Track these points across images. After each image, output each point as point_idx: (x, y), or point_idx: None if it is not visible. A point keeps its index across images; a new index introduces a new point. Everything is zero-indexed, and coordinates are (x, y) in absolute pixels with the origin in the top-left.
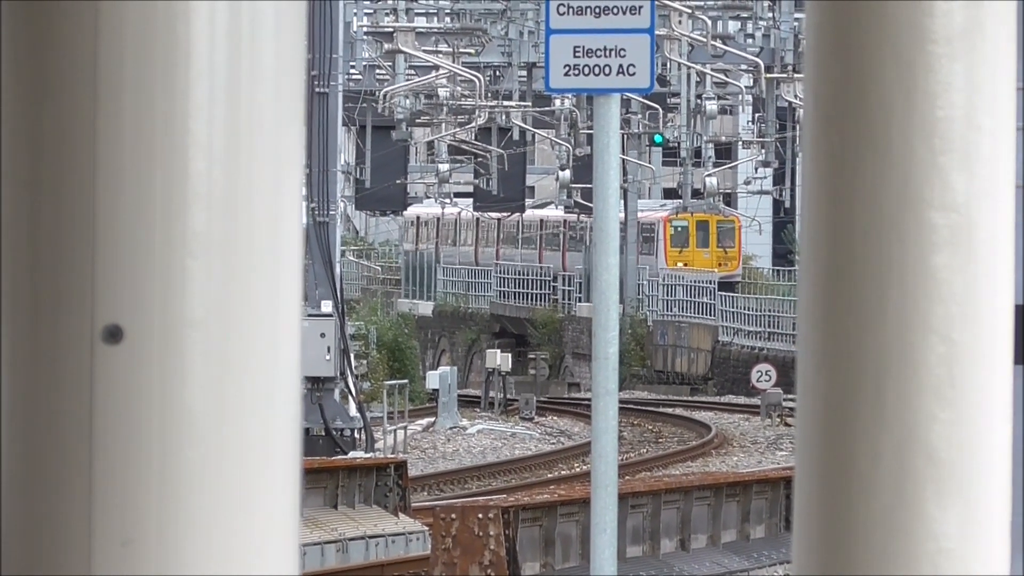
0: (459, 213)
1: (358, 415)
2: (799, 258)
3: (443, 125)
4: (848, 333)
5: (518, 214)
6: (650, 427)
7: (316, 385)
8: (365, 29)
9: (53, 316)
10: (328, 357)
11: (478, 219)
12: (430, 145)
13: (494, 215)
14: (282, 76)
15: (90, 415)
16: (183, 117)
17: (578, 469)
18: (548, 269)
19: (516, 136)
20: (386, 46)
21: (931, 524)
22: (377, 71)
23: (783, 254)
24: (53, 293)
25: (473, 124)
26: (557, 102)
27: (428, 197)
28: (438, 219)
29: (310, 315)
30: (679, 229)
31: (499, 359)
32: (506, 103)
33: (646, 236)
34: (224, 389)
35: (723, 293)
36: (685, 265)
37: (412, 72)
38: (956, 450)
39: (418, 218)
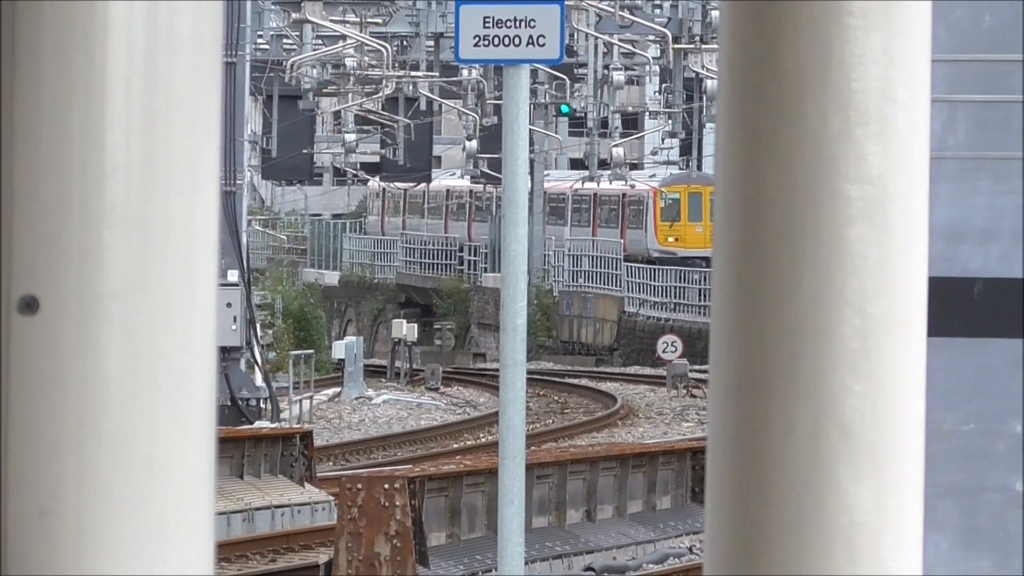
0: (427, 186)
1: (264, 385)
2: (713, 229)
3: (350, 95)
4: (762, 305)
5: (423, 184)
6: (556, 398)
7: (222, 355)
8: None
9: None
10: (234, 327)
11: (448, 190)
12: (337, 115)
13: (400, 185)
14: (199, 47)
15: (6, 386)
16: (100, 87)
17: (484, 439)
18: (454, 240)
19: (423, 106)
20: (293, 15)
21: (845, 497)
22: (284, 41)
23: None
24: None
25: (380, 94)
26: (464, 72)
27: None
28: (405, 191)
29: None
30: (670, 202)
31: (405, 329)
32: (413, 73)
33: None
34: (140, 360)
35: (628, 264)
36: (676, 240)
37: (319, 42)
38: (870, 423)
39: (383, 190)
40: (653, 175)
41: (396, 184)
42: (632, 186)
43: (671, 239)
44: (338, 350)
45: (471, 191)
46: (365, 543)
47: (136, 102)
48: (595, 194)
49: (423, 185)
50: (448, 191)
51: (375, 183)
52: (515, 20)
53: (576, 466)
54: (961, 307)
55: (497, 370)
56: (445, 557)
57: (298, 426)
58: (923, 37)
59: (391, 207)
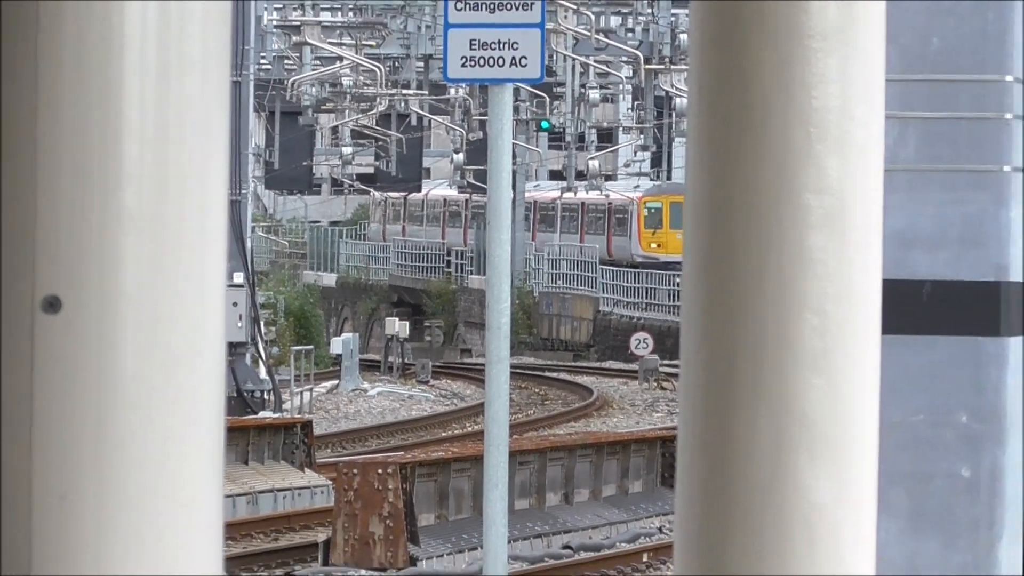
0: (425, 196)
1: (267, 378)
2: (684, 237)
3: (346, 111)
4: (729, 307)
5: (418, 193)
6: (537, 390)
7: (229, 350)
8: (275, 22)
9: None
10: (240, 324)
11: (445, 199)
12: (334, 130)
13: (394, 195)
14: (209, 65)
15: (31, 379)
16: (117, 103)
17: (470, 428)
18: (442, 244)
19: (414, 122)
20: (294, 38)
21: (804, 485)
22: (286, 61)
23: None
24: None
25: (374, 111)
26: (452, 91)
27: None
28: (405, 198)
29: None
30: (653, 210)
31: (397, 327)
32: (405, 91)
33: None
34: (155, 355)
35: (603, 267)
36: (659, 247)
37: (318, 62)
38: (829, 416)
39: (386, 199)
40: (637, 186)
41: (390, 194)
42: (608, 195)
43: (654, 245)
44: (336, 346)
45: (466, 200)
46: (360, 523)
47: (150, 115)
48: (582, 203)
49: (421, 195)
50: (445, 200)
51: (377, 194)
52: (499, 42)
53: (555, 453)
54: (911, 307)
55: (482, 365)
56: (434, 536)
57: (299, 416)
58: (877, 58)
59: (391, 215)
